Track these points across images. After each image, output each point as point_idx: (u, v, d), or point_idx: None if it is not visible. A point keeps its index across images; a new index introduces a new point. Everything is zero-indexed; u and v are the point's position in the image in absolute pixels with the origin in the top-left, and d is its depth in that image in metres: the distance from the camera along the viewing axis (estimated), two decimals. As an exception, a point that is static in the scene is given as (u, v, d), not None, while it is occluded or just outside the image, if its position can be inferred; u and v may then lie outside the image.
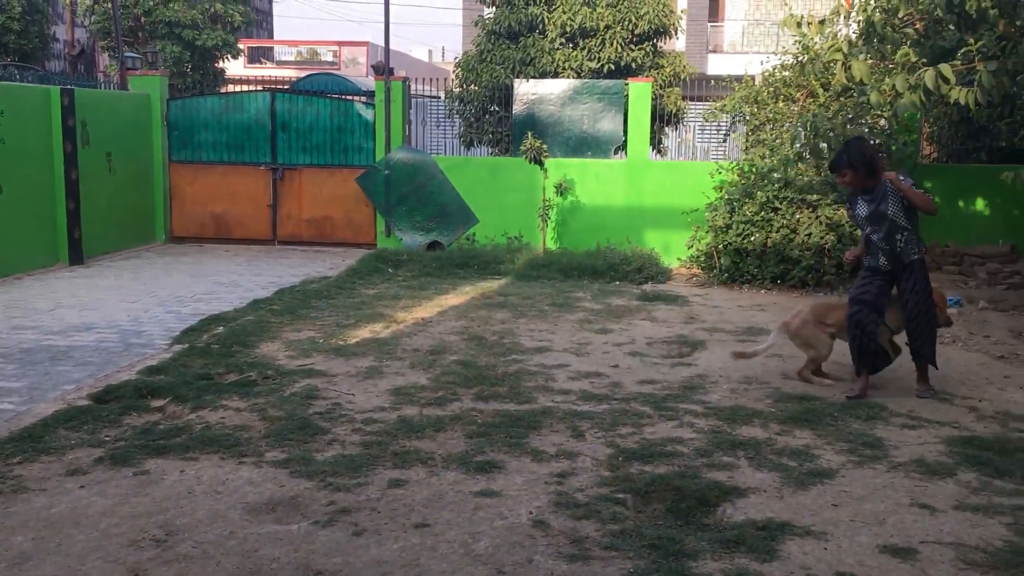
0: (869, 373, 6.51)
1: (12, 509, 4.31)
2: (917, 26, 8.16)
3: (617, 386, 6.61)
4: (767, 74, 12.60)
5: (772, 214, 10.74)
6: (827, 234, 10.48)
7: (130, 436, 5.32)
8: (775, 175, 10.94)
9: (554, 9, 14.73)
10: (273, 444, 5.24)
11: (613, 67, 14.39)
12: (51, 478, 4.69)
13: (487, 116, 14.84)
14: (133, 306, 9.16)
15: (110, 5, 18.36)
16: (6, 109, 10.49)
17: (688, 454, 5.17)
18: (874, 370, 6.57)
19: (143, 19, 21.04)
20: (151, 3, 20.71)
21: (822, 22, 7.82)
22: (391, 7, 13.34)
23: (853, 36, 8.31)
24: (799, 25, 7.89)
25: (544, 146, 12.18)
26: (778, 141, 11.56)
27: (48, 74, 15.05)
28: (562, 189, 12.50)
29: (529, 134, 12.28)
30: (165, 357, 7.13)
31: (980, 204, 12.32)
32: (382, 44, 13.58)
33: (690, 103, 15.15)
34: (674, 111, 14.72)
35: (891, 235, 6.28)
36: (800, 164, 10.83)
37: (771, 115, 12.11)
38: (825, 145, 9.70)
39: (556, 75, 14.36)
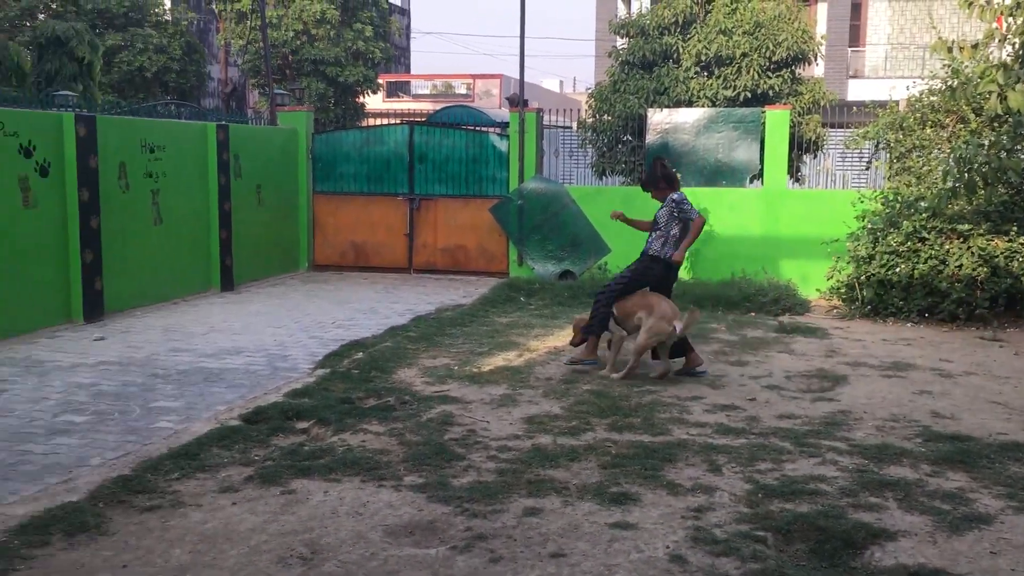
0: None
1: (171, 523, 4.56)
2: (1081, 46, 7.73)
3: (755, 420, 6.46)
4: (913, 99, 12.14)
5: (919, 244, 10.30)
6: (980, 266, 9.96)
7: (277, 456, 5.55)
8: (922, 204, 10.49)
9: (689, 38, 14.67)
10: (411, 468, 5.36)
11: (749, 95, 14.18)
12: (205, 494, 4.94)
13: (620, 146, 14.85)
14: (279, 331, 9.57)
15: (261, 45, 19.39)
16: (168, 144, 11.21)
17: (832, 493, 4.98)
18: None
19: (291, 57, 22.12)
20: (298, 42, 21.77)
21: (975, 46, 7.49)
22: (525, 40, 13.57)
23: (1008, 59, 7.93)
24: (950, 50, 7.59)
25: (678, 175, 12.06)
26: (926, 169, 11.10)
27: (204, 110, 16.03)
28: (696, 218, 12.32)
29: (663, 163, 12.19)
30: (309, 381, 7.41)
31: None
32: (515, 76, 13.84)
33: (830, 130, 14.75)
34: (813, 138, 14.36)
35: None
36: (954, 198, 10.33)
37: (917, 142, 11.65)
38: (980, 179, 9.15)
39: (690, 104, 14.25)
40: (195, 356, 8.31)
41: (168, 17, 23.57)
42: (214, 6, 24.12)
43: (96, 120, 9.98)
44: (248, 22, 22.11)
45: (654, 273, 7.83)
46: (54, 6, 21.21)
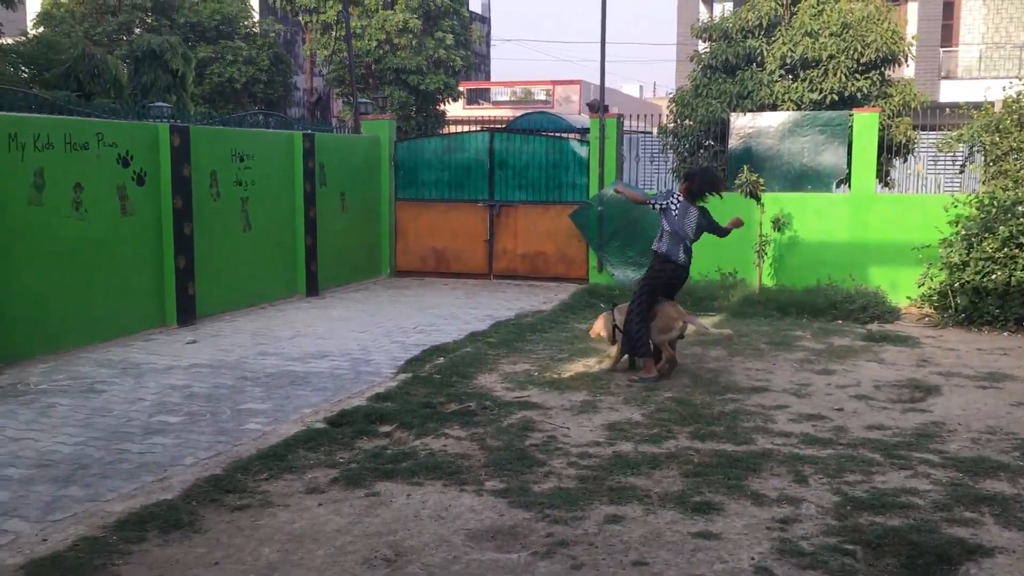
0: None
1: (260, 522, 4.68)
2: None
3: (842, 430, 6.31)
4: (1009, 100, 11.71)
5: (1017, 250, 9.92)
6: (1082, 272, 9.54)
7: (362, 459, 5.65)
8: (1020, 208, 10.11)
9: (774, 41, 14.43)
10: (492, 473, 5.39)
11: (836, 98, 13.87)
12: (293, 495, 5.05)
13: (701, 151, 14.68)
14: (362, 336, 9.73)
15: (346, 55, 19.77)
16: (256, 153, 11.52)
17: (924, 507, 4.84)
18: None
19: (374, 67, 22.51)
20: (381, 52, 22.14)
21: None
22: (605, 45, 13.54)
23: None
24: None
25: (761, 180, 11.89)
26: (1023, 172, 10.68)
27: (290, 120, 16.44)
28: (779, 224, 12.13)
29: (745, 168, 12.02)
30: (391, 385, 7.51)
31: None
32: (594, 82, 13.84)
33: (921, 133, 14.33)
34: (903, 141, 13.96)
35: None
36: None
37: (1015, 144, 11.23)
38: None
39: (775, 108, 14.02)
40: (282, 360, 8.51)
41: (256, 29, 24.23)
42: (300, 18, 24.70)
43: (190, 130, 10.32)
44: (333, 33, 22.58)
45: (661, 273, 7.89)
46: (150, 20, 22.01)
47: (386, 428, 6.28)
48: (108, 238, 9.32)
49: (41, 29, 19.30)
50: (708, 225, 8.08)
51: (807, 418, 6.61)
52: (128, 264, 9.61)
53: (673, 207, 7.84)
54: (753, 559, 4.24)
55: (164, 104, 11.81)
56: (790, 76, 14.44)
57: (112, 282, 9.39)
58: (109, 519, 4.67)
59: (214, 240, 10.77)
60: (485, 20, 41.35)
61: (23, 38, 17.72)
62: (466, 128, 16.00)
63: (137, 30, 21.68)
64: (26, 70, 16.30)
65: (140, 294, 9.79)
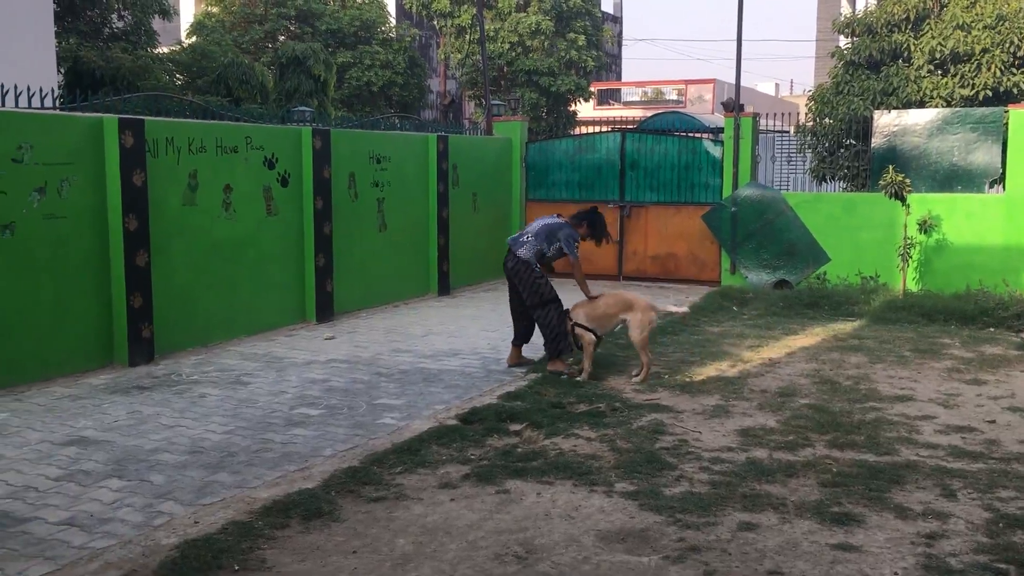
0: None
1: (395, 514, 4.81)
2: None
3: (994, 444, 5.97)
4: None
5: None
6: None
7: (492, 456, 5.72)
8: None
9: (922, 35, 13.80)
10: (622, 475, 5.36)
11: (990, 93, 13.15)
12: (426, 489, 5.17)
13: (841, 150, 14.19)
14: (492, 335, 9.85)
15: (478, 58, 20.06)
16: (392, 155, 11.83)
17: (1087, 529, 4.53)
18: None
19: (505, 69, 22.75)
20: (513, 54, 22.36)
21: None
22: (742, 43, 13.25)
23: None
24: None
25: (907, 181, 11.38)
26: None
27: (423, 122, 16.80)
28: (926, 226, 11.59)
29: (890, 168, 11.53)
30: (521, 384, 7.58)
31: None
32: (728, 81, 13.59)
33: (1085, 129, 13.40)
34: (1064, 139, 13.09)
35: None
36: None
37: None
38: None
39: (922, 105, 13.40)
40: (415, 357, 8.72)
41: (393, 34, 24.88)
42: (435, 22, 25.21)
43: (330, 134, 10.69)
44: (467, 36, 22.96)
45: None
46: (293, 28, 22.93)
47: (516, 427, 6.34)
48: (254, 237, 9.76)
49: (194, 39, 20.39)
50: (560, 244, 8.93)
51: (955, 430, 6.29)
52: (272, 262, 10.04)
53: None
54: (896, 574, 4.07)
55: (307, 108, 12.28)
56: (939, 71, 13.79)
57: (257, 279, 9.82)
58: (255, 505, 4.89)
59: (352, 239, 11.11)
60: (617, 20, 41.18)
61: (177, 47, 18.76)
62: (597, 129, 15.96)
63: (282, 38, 22.63)
64: (180, 77, 17.27)
65: (282, 291, 10.20)
